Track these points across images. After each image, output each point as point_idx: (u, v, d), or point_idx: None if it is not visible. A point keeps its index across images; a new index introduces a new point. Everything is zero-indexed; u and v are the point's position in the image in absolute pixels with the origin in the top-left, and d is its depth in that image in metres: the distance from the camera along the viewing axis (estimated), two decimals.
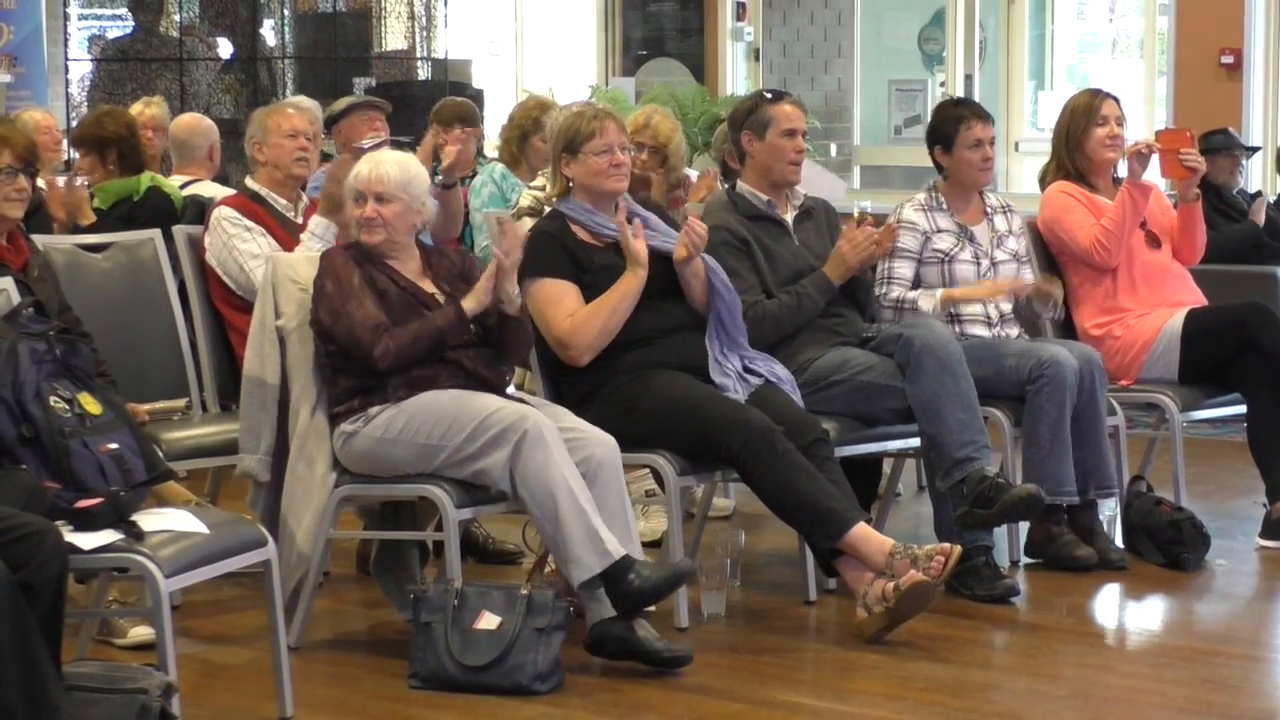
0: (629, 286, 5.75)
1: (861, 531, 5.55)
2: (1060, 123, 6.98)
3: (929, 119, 6.71)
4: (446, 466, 5.29)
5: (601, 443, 5.39)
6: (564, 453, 5.24)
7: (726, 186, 6.64)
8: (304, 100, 7.77)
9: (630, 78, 14.17)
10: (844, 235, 6.25)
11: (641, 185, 6.55)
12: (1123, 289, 6.83)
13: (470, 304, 5.40)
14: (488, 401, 5.32)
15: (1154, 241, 6.90)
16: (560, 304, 5.72)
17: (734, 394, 5.76)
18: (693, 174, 7.42)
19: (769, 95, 6.43)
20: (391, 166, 5.48)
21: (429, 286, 5.49)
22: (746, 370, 5.87)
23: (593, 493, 5.29)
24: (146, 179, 7.36)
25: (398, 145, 6.09)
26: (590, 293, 5.76)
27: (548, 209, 6.07)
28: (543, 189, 6.67)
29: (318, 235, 6.16)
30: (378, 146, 6.71)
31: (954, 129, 6.59)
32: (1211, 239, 7.92)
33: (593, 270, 5.78)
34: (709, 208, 6.50)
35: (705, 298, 5.88)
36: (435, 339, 5.36)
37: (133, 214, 7.14)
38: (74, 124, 9.78)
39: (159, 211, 7.18)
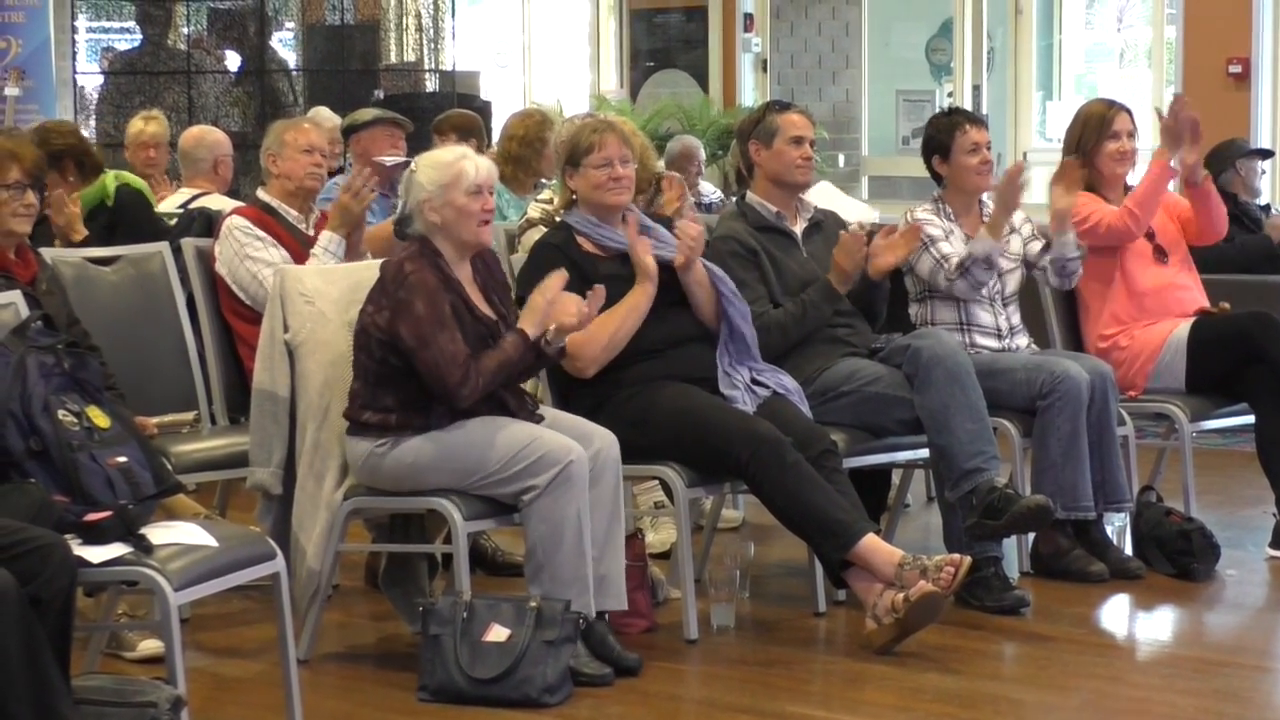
0: (637, 301, 5.74)
1: (870, 543, 5.54)
2: (1071, 132, 6.93)
3: (925, 131, 6.70)
4: (477, 486, 5.28)
5: (602, 438, 5.39)
6: (586, 496, 5.25)
7: (736, 197, 6.61)
8: (323, 114, 7.75)
9: (623, 89, 14.18)
10: (839, 242, 6.23)
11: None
12: (1129, 303, 6.80)
13: (534, 330, 5.30)
14: (527, 429, 5.30)
15: (1161, 256, 6.86)
16: None
17: (742, 405, 5.75)
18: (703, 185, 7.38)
19: (776, 106, 6.43)
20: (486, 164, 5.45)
21: (482, 304, 5.39)
22: (754, 382, 5.86)
23: (593, 494, 5.29)
24: (110, 179, 7.33)
25: None
26: None
27: (557, 219, 6.06)
28: (550, 201, 6.66)
29: (329, 251, 6.17)
30: (399, 165, 6.73)
31: (950, 136, 6.57)
32: (1225, 249, 7.88)
33: (598, 282, 5.75)
34: (721, 219, 6.50)
35: (711, 307, 5.87)
36: (511, 371, 5.32)
37: (114, 219, 7.11)
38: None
39: (137, 207, 7.14)
